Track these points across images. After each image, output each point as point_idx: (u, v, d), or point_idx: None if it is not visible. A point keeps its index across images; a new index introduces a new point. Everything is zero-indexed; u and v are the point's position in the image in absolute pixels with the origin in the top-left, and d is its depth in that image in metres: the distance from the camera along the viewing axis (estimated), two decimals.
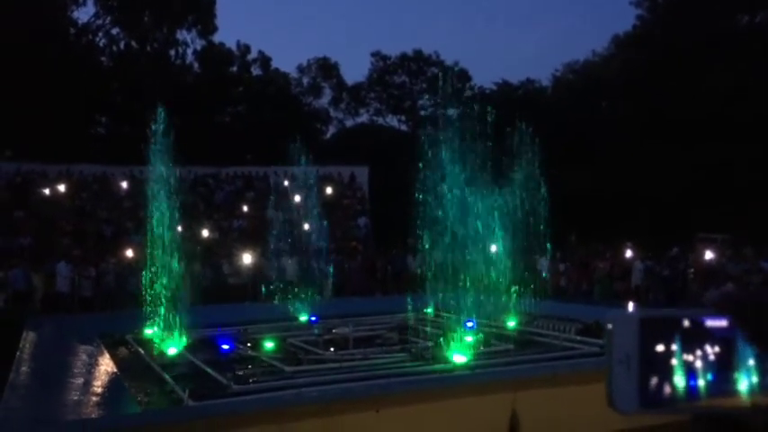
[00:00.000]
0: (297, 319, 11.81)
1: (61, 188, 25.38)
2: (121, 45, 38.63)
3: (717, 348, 0.64)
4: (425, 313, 11.80)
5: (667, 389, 0.64)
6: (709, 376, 0.64)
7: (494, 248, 14.65)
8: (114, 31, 38.30)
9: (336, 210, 27.71)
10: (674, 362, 0.64)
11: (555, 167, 28.18)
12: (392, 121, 46.84)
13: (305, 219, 20.86)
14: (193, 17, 37.85)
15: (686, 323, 0.65)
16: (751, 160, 26.83)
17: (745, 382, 0.64)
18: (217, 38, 39.81)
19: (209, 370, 7.62)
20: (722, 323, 0.65)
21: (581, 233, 25.10)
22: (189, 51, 39.49)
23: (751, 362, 0.64)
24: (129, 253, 18.26)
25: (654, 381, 0.64)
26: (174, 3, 36.23)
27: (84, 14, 37.30)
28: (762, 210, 24.49)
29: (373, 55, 45.56)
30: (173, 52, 39.14)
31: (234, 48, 41.35)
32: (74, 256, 18.97)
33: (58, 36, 33.50)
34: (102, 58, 38.51)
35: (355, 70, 72.73)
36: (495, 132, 13.52)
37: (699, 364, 0.64)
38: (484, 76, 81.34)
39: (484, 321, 10.08)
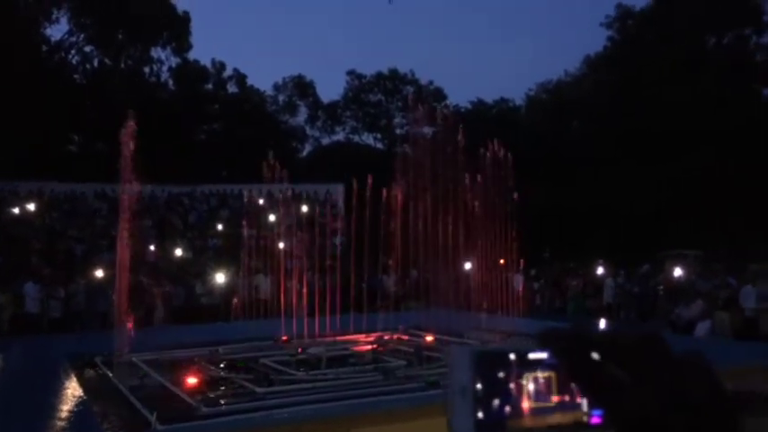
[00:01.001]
0: (269, 338, 11.71)
1: (31, 207, 24.98)
2: (95, 62, 38.36)
3: (541, 376, 0.72)
4: (399, 332, 11.79)
5: (498, 413, 0.70)
6: (535, 400, 0.72)
7: (468, 266, 14.74)
8: (88, 48, 38.03)
9: (312, 228, 27.61)
10: (503, 389, 0.71)
11: (528, 185, 28.57)
12: (368, 139, 47.09)
13: (279, 237, 20.74)
14: (168, 34, 37.74)
15: (512, 356, 0.72)
16: (721, 175, 27.43)
17: (564, 402, 0.73)
18: (192, 55, 39.84)
19: (178, 392, 7.50)
20: (544, 355, 0.73)
21: (554, 249, 25.36)
22: (164, 69, 39.36)
23: (571, 385, 0.72)
24: (100, 273, 17.98)
25: (486, 407, 0.70)
26: (149, 20, 36.07)
27: (57, 32, 37.02)
28: (732, 222, 24.98)
29: (349, 73, 45.87)
30: (147, 69, 38.95)
31: (209, 65, 41.30)
32: (43, 275, 18.63)
33: (29, 53, 33.10)
34: (76, 76, 38.15)
35: (331, 89, 73.23)
36: (469, 150, 13.66)
37: (524, 390, 0.72)
38: (459, 95, 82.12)
39: (457, 339, 10.09)
